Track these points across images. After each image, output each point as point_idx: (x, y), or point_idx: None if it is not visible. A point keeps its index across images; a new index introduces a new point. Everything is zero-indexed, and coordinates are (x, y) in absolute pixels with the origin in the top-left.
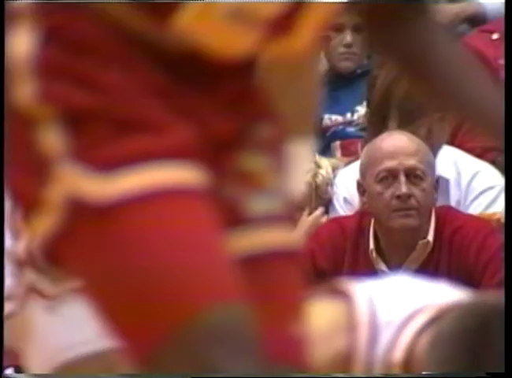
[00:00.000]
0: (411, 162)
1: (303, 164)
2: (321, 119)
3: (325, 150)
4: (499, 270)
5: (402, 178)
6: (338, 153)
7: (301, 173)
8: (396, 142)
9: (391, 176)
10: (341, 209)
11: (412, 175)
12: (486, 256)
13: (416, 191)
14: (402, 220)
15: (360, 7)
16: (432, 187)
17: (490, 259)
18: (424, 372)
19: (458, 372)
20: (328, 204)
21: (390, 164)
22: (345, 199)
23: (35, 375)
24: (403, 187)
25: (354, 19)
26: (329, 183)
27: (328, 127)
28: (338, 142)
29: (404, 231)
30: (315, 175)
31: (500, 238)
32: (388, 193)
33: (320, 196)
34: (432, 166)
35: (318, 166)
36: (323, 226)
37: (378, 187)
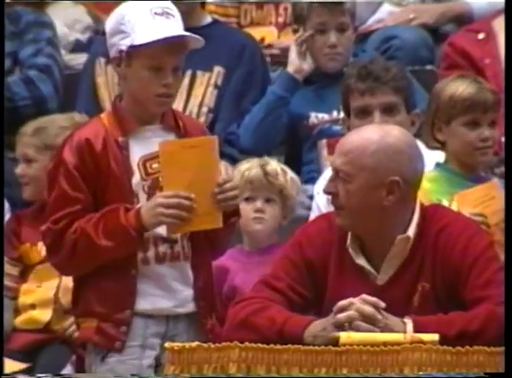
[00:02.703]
0: (337, 161)
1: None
2: (308, 117)
3: (311, 149)
4: (485, 270)
5: (333, 176)
6: (324, 151)
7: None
8: (347, 138)
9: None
10: (324, 209)
11: (339, 174)
12: (472, 255)
13: (341, 191)
14: (336, 218)
15: (344, 8)
16: (365, 190)
17: (476, 258)
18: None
19: (458, 373)
20: (278, 195)
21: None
22: (328, 200)
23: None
24: (329, 185)
25: (338, 19)
26: (280, 174)
27: (314, 126)
28: (324, 141)
29: (342, 228)
30: (264, 165)
31: (486, 237)
32: None
33: (271, 184)
34: (372, 170)
35: (266, 161)
36: (313, 221)
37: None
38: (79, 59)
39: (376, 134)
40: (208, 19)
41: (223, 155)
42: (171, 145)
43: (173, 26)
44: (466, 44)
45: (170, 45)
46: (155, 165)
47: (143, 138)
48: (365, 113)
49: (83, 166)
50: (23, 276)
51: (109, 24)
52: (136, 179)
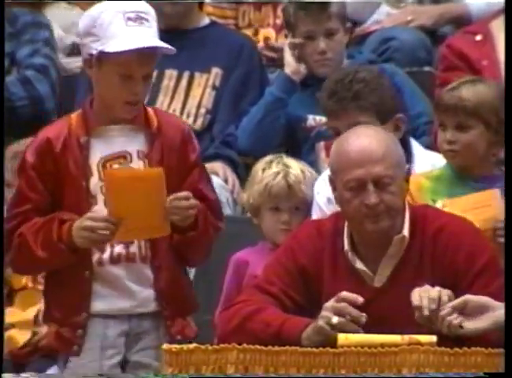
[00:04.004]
0: (378, 170)
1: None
2: (306, 119)
3: (310, 151)
4: (491, 282)
5: (371, 187)
6: (322, 153)
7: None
8: (363, 148)
9: (360, 184)
10: (325, 208)
11: (380, 182)
12: (479, 263)
13: (385, 197)
14: (372, 225)
15: (330, 13)
16: (400, 186)
17: (482, 269)
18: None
19: (458, 373)
20: (303, 203)
21: (357, 173)
22: (328, 199)
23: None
24: (372, 197)
25: (326, 25)
26: (302, 182)
27: (312, 128)
28: (322, 143)
29: (376, 233)
30: (286, 174)
31: (489, 242)
32: (357, 201)
33: (295, 195)
34: (400, 164)
35: (287, 167)
36: (301, 227)
37: (347, 194)
38: (76, 62)
39: (378, 133)
40: (206, 20)
41: (221, 157)
42: (116, 175)
43: (146, 34)
44: (464, 46)
45: (141, 54)
46: (116, 166)
47: (108, 138)
48: (335, 132)
49: (42, 166)
50: (9, 299)
51: (82, 23)
52: (95, 180)
